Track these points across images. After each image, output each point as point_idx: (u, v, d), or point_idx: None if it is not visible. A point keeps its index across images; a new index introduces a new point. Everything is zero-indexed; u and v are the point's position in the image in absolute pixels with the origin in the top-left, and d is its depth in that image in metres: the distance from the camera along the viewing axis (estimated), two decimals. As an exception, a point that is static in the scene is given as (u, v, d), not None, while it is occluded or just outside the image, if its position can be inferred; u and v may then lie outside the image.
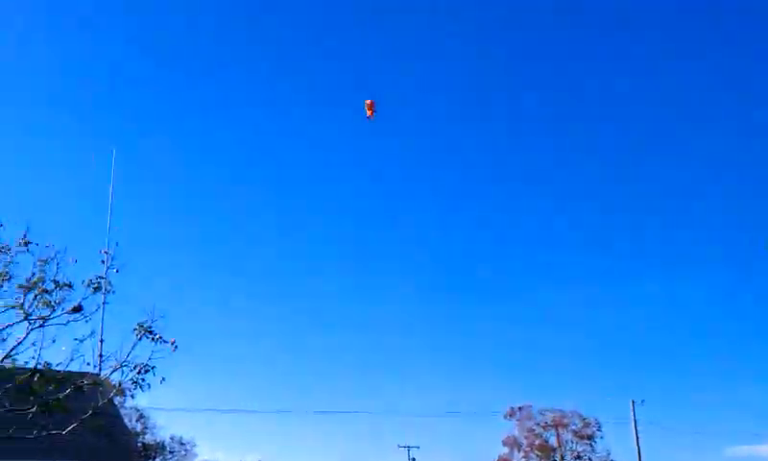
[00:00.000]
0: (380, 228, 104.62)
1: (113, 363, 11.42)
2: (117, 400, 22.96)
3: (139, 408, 51.08)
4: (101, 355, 12.24)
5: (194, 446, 60.86)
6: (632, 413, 56.69)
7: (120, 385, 11.38)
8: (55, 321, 12.02)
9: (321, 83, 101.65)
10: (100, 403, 11.87)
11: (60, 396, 11.11)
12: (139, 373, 11.07)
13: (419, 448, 70.32)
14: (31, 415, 11.24)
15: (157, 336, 11.93)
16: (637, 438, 55.96)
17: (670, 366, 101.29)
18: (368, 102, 25.98)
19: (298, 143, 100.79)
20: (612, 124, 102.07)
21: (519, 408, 59.38)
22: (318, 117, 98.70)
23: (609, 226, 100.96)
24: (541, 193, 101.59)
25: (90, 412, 11.44)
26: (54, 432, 11.37)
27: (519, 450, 58.58)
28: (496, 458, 59.62)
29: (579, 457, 58.12)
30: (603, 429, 60.47)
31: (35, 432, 11.35)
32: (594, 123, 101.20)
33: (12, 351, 11.87)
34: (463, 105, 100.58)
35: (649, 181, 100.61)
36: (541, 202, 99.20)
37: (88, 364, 12.13)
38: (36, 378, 11.24)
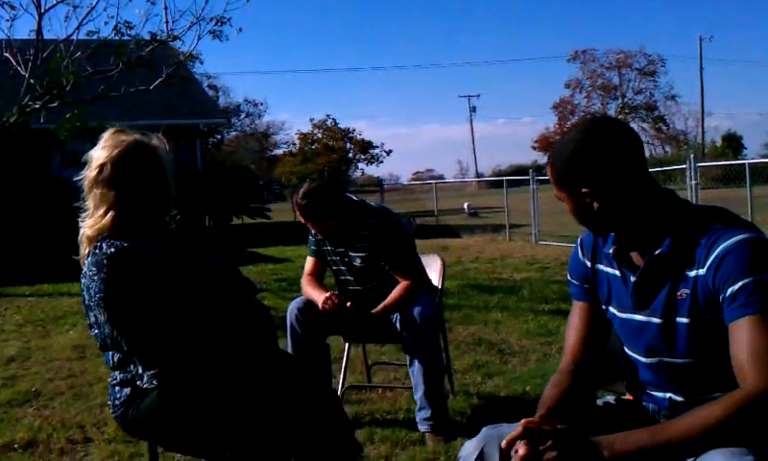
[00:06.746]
0: None
1: (190, 19, 11.49)
2: (189, 64, 23.35)
3: (210, 74, 52.43)
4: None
5: (266, 107, 62.52)
6: (698, 50, 55.82)
7: (199, 39, 11.58)
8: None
9: None
10: (181, 58, 12.29)
11: (143, 53, 11.49)
12: (216, 24, 11.23)
13: (479, 96, 71.20)
14: (116, 75, 11.74)
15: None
16: (701, 74, 55.68)
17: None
18: None
19: None
20: None
21: (583, 51, 59.02)
22: None
23: None
24: None
25: (173, 66, 11.87)
26: (141, 88, 11.97)
27: (581, 92, 59.28)
28: (558, 100, 60.68)
29: (640, 92, 58.63)
30: (667, 66, 60.21)
31: (122, 89, 11.93)
32: None
33: (86, 16, 11.92)
34: None
35: None
36: None
37: (164, 22, 12.29)
38: (117, 38, 11.54)
